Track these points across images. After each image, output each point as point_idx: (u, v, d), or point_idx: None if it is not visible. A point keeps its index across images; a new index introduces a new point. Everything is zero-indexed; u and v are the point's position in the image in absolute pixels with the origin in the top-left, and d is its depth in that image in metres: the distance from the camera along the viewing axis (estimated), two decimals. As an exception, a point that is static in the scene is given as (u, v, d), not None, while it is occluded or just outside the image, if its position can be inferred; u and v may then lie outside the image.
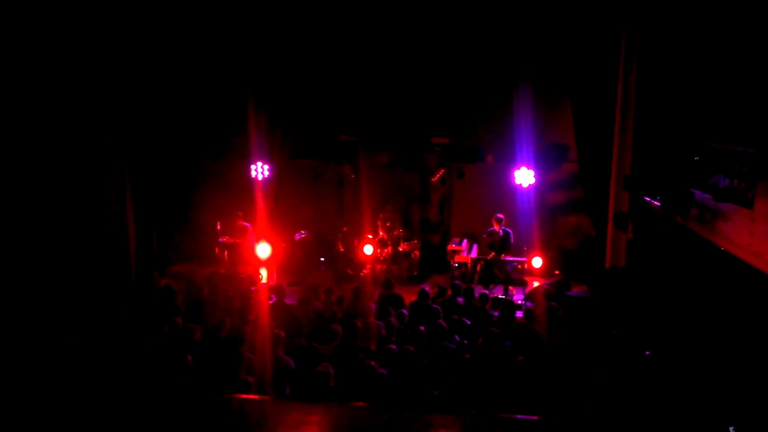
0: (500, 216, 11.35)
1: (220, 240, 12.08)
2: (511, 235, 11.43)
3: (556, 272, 11.88)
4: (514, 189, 12.01)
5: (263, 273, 11.63)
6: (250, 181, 12.79)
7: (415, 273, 12.25)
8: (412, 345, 6.56)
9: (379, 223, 12.53)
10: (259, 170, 12.78)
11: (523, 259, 11.49)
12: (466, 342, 7.24)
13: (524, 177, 11.74)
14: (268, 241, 12.00)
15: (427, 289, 8.77)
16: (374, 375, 5.85)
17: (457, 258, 11.76)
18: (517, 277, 11.40)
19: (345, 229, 12.89)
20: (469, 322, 7.84)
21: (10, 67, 9.11)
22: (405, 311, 8.07)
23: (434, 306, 8.38)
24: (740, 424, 4.79)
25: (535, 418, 2.39)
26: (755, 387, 5.26)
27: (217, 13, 11.41)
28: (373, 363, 6.03)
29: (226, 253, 12.10)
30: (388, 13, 11.90)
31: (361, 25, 12.09)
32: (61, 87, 9.79)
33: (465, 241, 12.20)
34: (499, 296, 10.53)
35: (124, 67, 10.61)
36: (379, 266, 12.24)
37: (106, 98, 10.58)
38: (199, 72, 11.83)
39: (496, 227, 11.31)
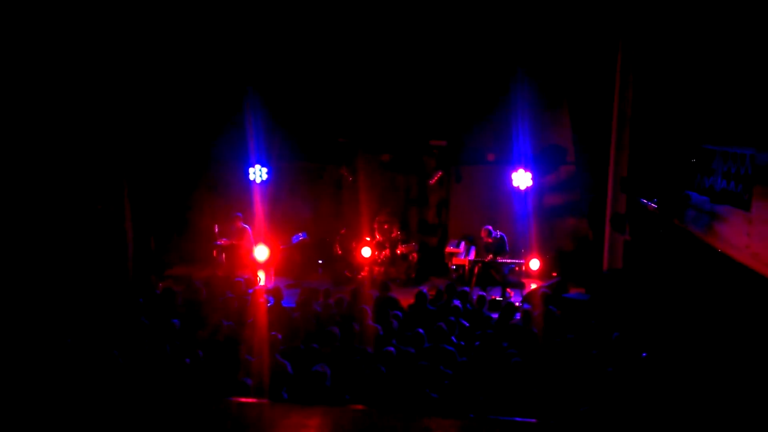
0: (488, 227, 11.43)
1: (218, 242, 12.07)
2: (506, 240, 11.46)
3: (554, 274, 11.90)
4: (512, 191, 12.03)
5: (261, 275, 11.62)
6: (249, 184, 12.78)
7: (413, 275, 12.25)
8: (411, 347, 6.56)
9: (377, 226, 12.53)
10: (258, 173, 12.77)
11: (521, 261, 11.51)
12: (463, 344, 7.24)
13: (522, 179, 11.76)
14: (266, 243, 12.00)
15: (425, 291, 8.77)
16: (372, 378, 5.85)
17: (455, 260, 11.77)
18: (514, 279, 11.42)
19: (343, 231, 12.89)
20: (467, 324, 7.85)
21: (11, 73, 9.12)
22: (401, 314, 8.08)
23: (432, 308, 8.39)
24: (739, 425, 4.80)
25: (533, 421, 2.40)
26: (753, 387, 5.28)
27: (216, 17, 11.43)
28: (371, 366, 6.03)
29: (224, 255, 12.09)
30: (387, 15, 11.92)
31: (359, 28, 12.11)
32: (60, 91, 9.79)
33: (463, 243, 12.21)
34: (497, 298, 10.55)
35: (123, 70, 10.62)
36: (377, 269, 12.24)
37: (104, 100, 10.58)
38: (198, 75, 11.85)
39: (488, 239, 11.37)
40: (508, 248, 11.50)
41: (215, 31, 11.59)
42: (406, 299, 8.96)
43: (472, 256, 11.93)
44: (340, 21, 12.08)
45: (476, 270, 11.38)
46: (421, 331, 6.97)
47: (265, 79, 12.63)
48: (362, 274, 12.16)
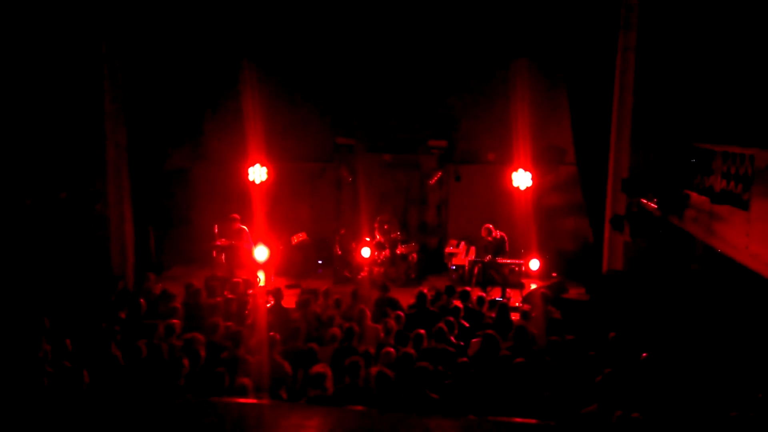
0: (488, 226, 11.43)
1: (218, 243, 12.05)
2: (506, 240, 11.46)
3: (554, 274, 11.89)
4: (512, 191, 12.03)
5: (261, 276, 11.59)
6: (248, 184, 12.76)
7: (413, 276, 12.25)
8: (411, 348, 6.55)
9: (377, 226, 12.52)
10: (257, 173, 12.75)
11: (521, 261, 11.50)
12: (462, 344, 7.24)
13: (522, 179, 11.74)
14: (266, 243, 11.98)
15: (425, 291, 8.77)
16: (372, 378, 5.84)
17: (455, 260, 11.77)
18: (514, 279, 11.42)
19: (342, 231, 12.87)
20: (467, 325, 7.85)
21: (9, 69, 9.14)
22: (401, 314, 8.07)
23: (432, 309, 8.39)
24: (739, 424, 4.80)
25: (533, 421, 2.40)
26: (753, 387, 5.28)
27: (217, 14, 11.43)
28: (371, 366, 6.03)
29: (223, 256, 12.07)
30: (387, 14, 11.92)
31: (359, 27, 12.11)
32: (57, 82, 9.79)
33: (462, 243, 12.21)
34: (497, 299, 10.54)
35: (123, 66, 10.63)
36: (376, 269, 12.22)
37: (104, 99, 10.58)
38: (197, 70, 11.80)
39: (488, 238, 11.38)
40: (507, 249, 11.49)
41: (217, 24, 11.57)
42: (406, 299, 8.96)
43: (471, 256, 11.93)
44: (341, 20, 12.07)
45: (476, 270, 11.37)
46: (421, 331, 6.96)
47: (266, 78, 12.63)
48: (362, 274, 12.14)
